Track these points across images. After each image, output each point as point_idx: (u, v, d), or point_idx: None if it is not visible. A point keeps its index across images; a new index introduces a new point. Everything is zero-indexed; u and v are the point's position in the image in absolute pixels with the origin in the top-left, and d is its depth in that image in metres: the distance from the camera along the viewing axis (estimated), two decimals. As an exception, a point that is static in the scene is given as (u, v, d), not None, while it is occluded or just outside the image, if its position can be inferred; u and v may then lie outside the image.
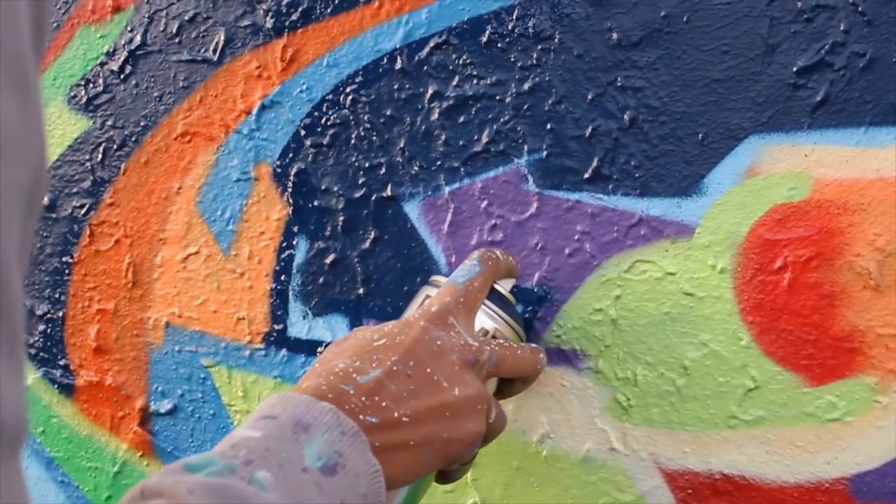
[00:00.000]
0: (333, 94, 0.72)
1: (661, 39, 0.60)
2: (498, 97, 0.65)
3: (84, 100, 0.85)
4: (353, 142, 0.71)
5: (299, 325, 0.75)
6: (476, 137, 0.66)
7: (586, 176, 0.63)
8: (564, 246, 0.64)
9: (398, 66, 0.69)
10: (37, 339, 0.89)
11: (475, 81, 0.66)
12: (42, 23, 0.27)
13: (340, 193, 0.72)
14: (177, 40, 0.79)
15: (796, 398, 0.57)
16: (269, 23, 0.74)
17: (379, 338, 0.50)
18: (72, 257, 0.86)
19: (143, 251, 0.82)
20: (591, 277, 0.63)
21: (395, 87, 0.69)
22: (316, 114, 0.72)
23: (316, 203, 0.73)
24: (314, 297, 0.74)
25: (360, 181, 0.71)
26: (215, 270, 0.78)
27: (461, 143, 0.67)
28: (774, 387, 0.57)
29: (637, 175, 0.61)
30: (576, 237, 0.63)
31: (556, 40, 0.63)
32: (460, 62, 0.66)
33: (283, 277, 0.75)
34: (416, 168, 0.69)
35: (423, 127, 0.68)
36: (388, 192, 0.70)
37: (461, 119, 0.67)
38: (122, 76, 0.82)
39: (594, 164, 0.62)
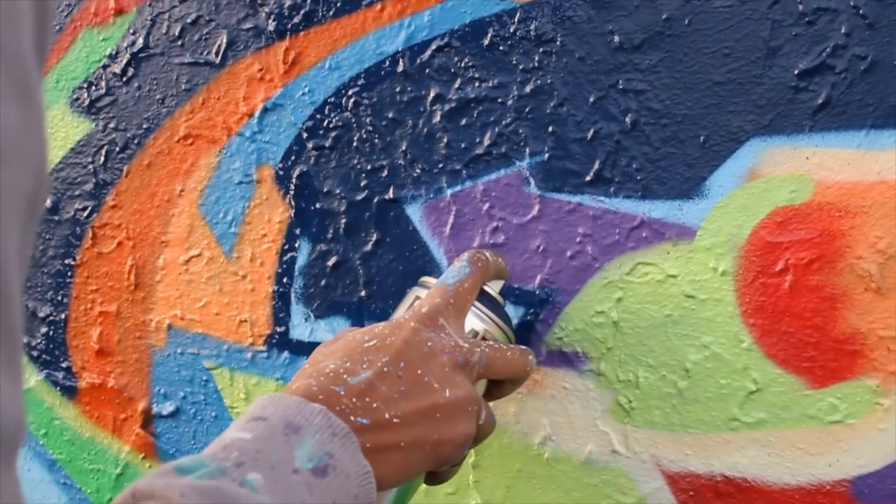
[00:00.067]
0: (335, 96, 0.72)
1: (663, 42, 0.60)
2: (500, 100, 0.65)
3: (86, 102, 0.85)
4: (355, 144, 0.71)
5: (301, 327, 0.75)
6: (478, 140, 0.66)
7: (588, 178, 0.63)
8: (566, 248, 0.64)
9: (400, 68, 0.69)
10: (39, 341, 0.89)
11: (477, 84, 0.66)
12: (45, 25, 0.27)
13: (342, 196, 0.72)
14: (179, 43, 0.79)
15: (798, 400, 0.57)
16: (272, 25, 0.74)
17: (369, 339, 0.50)
18: (74, 259, 0.87)
19: (145, 253, 0.82)
20: (592, 280, 0.63)
21: (397, 89, 0.69)
22: (318, 116, 0.73)
23: (318, 205, 0.73)
24: (316, 299, 0.74)
25: (362, 183, 0.71)
26: (217, 273, 0.78)
27: (463, 145, 0.67)
28: (776, 389, 0.57)
29: (639, 177, 0.61)
30: (577, 239, 0.63)
31: (558, 43, 0.63)
32: (462, 65, 0.67)
33: (285, 280, 0.75)
34: (417, 170, 0.69)
35: (425, 129, 0.68)
36: (390, 194, 0.70)
37: (463, 121, 0.67)
38: (124, 79, 0.83)
39: (596, 166, 0.62)
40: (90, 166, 0.85)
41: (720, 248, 0.58)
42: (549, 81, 0.63)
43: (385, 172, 0.70)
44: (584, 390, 0.63)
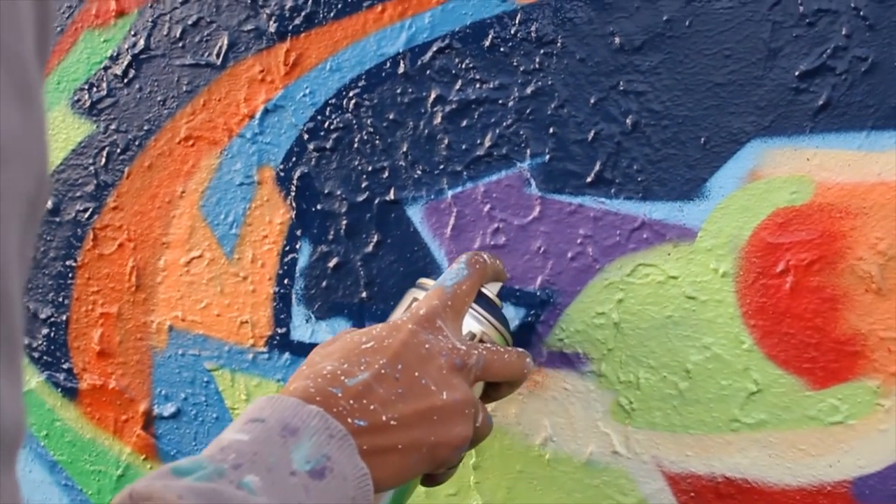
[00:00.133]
0: (336, 97, 0.72)
1: (664, 44, 0.60)
2: (500, 101, 0.65)
3: (88, 104, 0.85)
4: (356, 145, 0.71)
5: (302, 328, 0.75)
6: (479, 141, 0.66)
7: (589, 180, 0.63)
8: (567, 250, 0.64)
9: (401, 70, 0.69)
10: (40, 342, 0.89)
11: (478, 85, 0.66)
12: (46, 27, 0.27)
13: (343, 197, 0.72)
14: (180, 44, 0.79)
15: (799, 401, 0.57)
16: (273, 27, 0.74)
17: (367, 340, 0.50)
18: (75, 261, 0.87)
19: (146, 255, 0.82)
20: (593, 281, 0.63)
21: (398, 90, 0.69)
22: (319, 118, 0.73)
23: (319, 207, 0.73)
24: (317, 300, 0.74)
25: (363, 185, 0.71)
26: (218, 274, 0.78)
27: (464, 146, 0.67)
28: (777, 390, 0.57)
29: (639, 179, 0.61)
30: (578, 241, 0.63)
31: (559, 44, 0.63)
32: (463, 66, 0.67)
33: (286, 281, 0.75)
34: (418, 172, 0.69)
35: (426, 131, 0.68)
36: (391, 195, 0.70)
37: (464, 123, 0.67)
38: (125, 80, 0.83)
39: (597, 167, 0.62)
40: (91, 168, 0.85)
41: (721, 250, 0.58)
42: (549, 83, 0.63)
43: (386, 174, 0.70)
44: (585, 391, 0.63)
